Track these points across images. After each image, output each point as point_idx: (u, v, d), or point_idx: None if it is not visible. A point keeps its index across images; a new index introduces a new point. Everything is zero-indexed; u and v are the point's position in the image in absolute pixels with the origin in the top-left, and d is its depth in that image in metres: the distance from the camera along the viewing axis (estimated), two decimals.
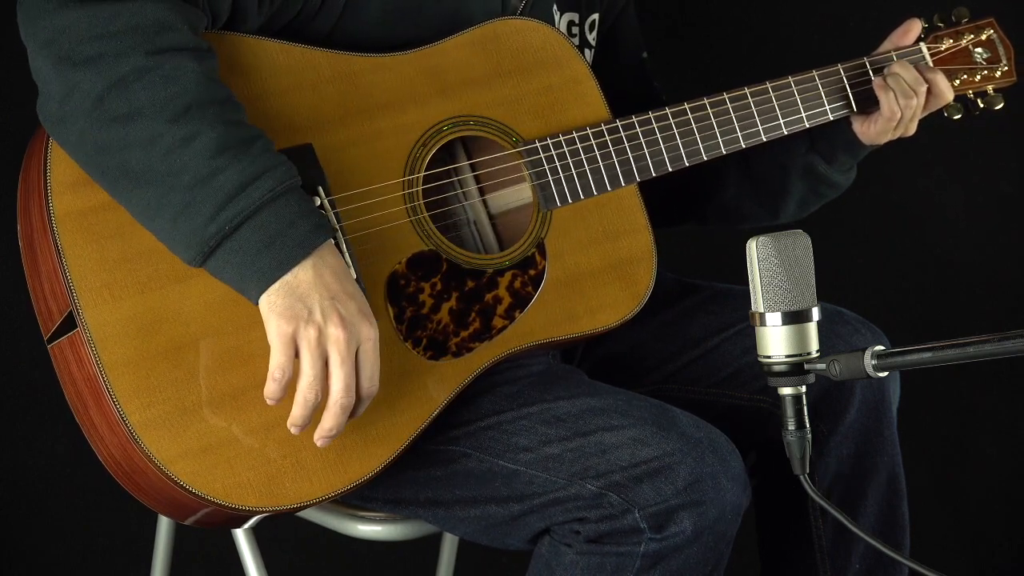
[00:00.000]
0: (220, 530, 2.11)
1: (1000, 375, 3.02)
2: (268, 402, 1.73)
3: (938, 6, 2.23)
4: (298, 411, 1.73)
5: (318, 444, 1.75)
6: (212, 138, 1.68)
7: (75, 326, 1.74)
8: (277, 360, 1.71)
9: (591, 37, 2.18)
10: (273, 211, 1.69)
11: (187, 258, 1.70)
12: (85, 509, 2.75)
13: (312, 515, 2.11)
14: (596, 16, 2.18)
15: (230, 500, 1.76)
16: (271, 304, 1.70)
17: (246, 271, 1.69)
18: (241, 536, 2.09)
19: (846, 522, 1.55)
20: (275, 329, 1.70)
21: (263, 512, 1.79)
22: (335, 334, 1.70)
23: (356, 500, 2.05)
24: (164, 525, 2.26)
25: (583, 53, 2.10)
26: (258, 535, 2.09)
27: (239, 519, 1.84)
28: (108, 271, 1.75)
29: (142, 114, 1.67)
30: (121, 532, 2.75)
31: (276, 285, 1.69)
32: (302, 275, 1.70)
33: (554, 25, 2.10)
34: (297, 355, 1.71)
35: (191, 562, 2.76)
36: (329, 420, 1.73)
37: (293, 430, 1.74)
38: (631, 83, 2.24)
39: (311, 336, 1.70)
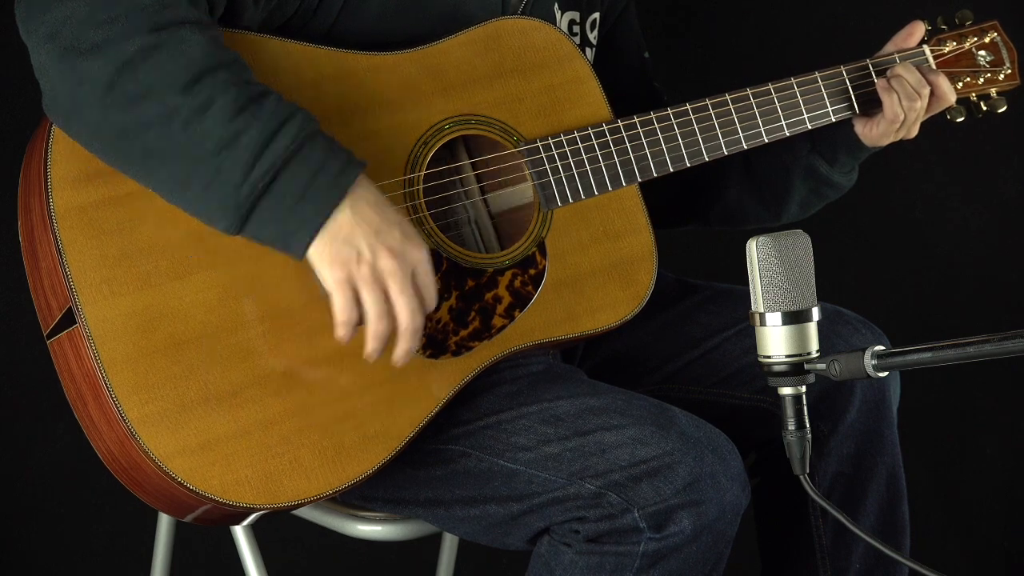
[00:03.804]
0: (220, 529, 2.12)
1: (1000, 375, 3.02)
2: (342, 342, 1.76)
3: (938, 5, 2.23)
4: (372, 345, 1.75)
5: (398, 365, 1.78)
6: (227, 101, 1.68)
7: (74, 322, 1.74)
8: (339, 304, 1.73)
9: (592, 36, 2.18)
10: (300, 160, 1.70)
11: (224, 226, 1.71)
12: (85, 509, 2.75)
13: (312, 515, 2.11)
14: (597, 15, 2.18)
15: (227, 497, 1.76)
16: (319, 254, 1.71)
17: (288, 225, 1.70)
18: (241, 536, 2.09)
19: (846, 522, 1.55)
20: (329, 277, 1.72)
21: (260, 509, 1.79)
22: (388, 266, 1.73)
23: (356, 500, 2.05)
24: (164, 524, 2.26)
25: (584, 52, 2.10)
26: (258, 535, 2.09)
27: (237, 516, 1.84)
28: (108, 267, 1.75)
29: (154, 91, 1.67)
30: (121, 532, 2.76)
31: (319, 235, 1.71)
32: (341, 218, 1.71)
33: (555, 24, 2.10)
34: (358, 297, 1.73)
35: (191, 562, 2.77)
36: (403, 345, 1.77)
37: (370, 360, 1.76)
38: (632, 83, 2.24)
39: (365, 274, 1.72)
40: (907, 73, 2.09)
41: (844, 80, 2.12)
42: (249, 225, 1.70)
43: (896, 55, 2.15)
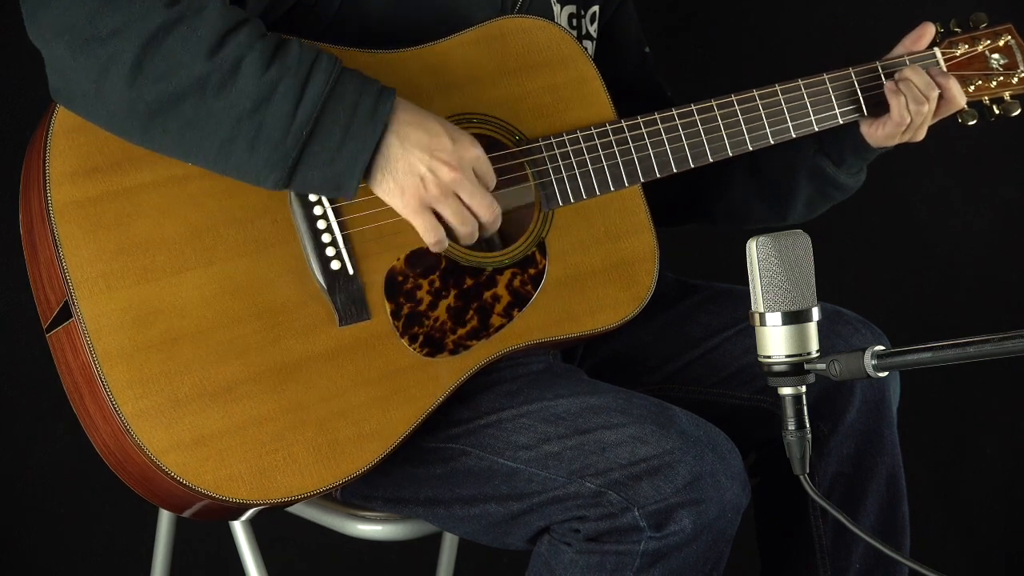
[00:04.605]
0: (220, 529, 2.12)
1: (1000, 375, 3.02)
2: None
3: (938, 5, 2.22)
4: (468, 242, 1.86)
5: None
6: (255, 57, 1.71)
7: (71, 316, 1.75)
8: (422, 226, 1.82)
9: (592, 29, 2.17)
10: (337, 100, 1.74)
11: (274, 181, 1.74)
12: (85, 509, 2.75)
13: (313, 515, 2.11)
14: (596, 8, 2.18)
15: (221, 492, 1.76)
16: (386, 190, 1.79)
17: (336, 167, 1.75)
18: (241, 536, 2.09)
19: (846, 522, 1.55)
20: (404, 208, 1.81)
21: (254, 505, 1.79)
22: (451, 177, 1.80)
23: (356, 499, 2.04)
24: (164, 524, 2.27)
25: (584, 45, 2.10)
26: (258, 534, 2.09)
27: (232, 511, 1.85)
28: (105, 262, 1.76)
29: (182, 64, 1.69)
30: (121, 532, 2.76)
31: (374, 171, 1.77)
32: (391, 149, 1.78)
33: (554, 18, 2.09)
34: (438, 215, 1.81)
35: (191, 562, 2.77)
36: (491, 230, 1.86)
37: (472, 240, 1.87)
38: (632, 77, 2.24)
39: (434, 194, 1.80)
40: (915, 76, 2.07)
41: (853, 82, 2.10)
42: (298, 175, 1.74)
43: (906, 57, 2.14)
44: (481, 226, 1.85)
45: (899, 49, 2.15)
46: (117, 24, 1.68)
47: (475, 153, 1.82)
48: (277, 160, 1.73)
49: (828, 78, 2.10)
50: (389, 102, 1.77)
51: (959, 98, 2.10)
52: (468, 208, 1.83)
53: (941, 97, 2.09)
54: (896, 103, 2.07)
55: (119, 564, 2.78)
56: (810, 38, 2.93)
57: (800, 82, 2.09)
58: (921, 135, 2.12)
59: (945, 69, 2.15)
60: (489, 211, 1.83)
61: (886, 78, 2.11)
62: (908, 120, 2.07)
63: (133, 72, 1.69)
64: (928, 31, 2.15)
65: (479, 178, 1.83)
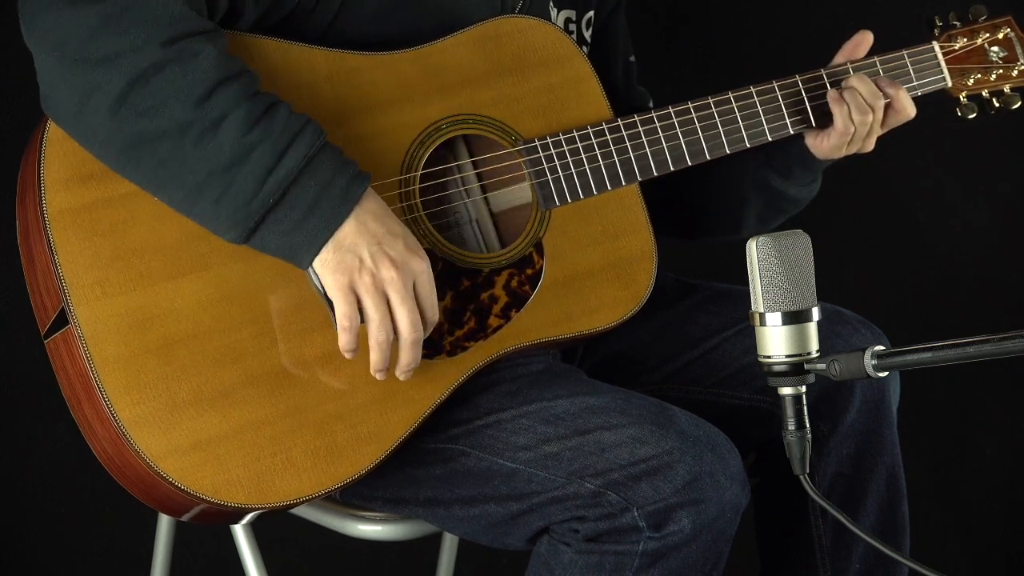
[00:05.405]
0: (220, 530, 2.12)
1: (1000, 375, 3.01)
2: (346, 355, 1.78)
3: (937, 4, 2.21)
4: (375, 356, 1.78)
5: (401, 378, 1.81)
6: (240, 116, 1.70)
7: (68, 322, 1.75)
8: (342, 310, 1.76)
9: (587, 34, 2.17)
10: (310, 174, 1.73)
11: (232, 236, 1.73)
12: (85, 509, 2.75)
13: (312, 515, 2.11)
14: (592, 13, 2.17)
15: (219, 497, 1.76)
16: (323, 261, 1.75)
17: (295, 238, 1.73)
18: (241, 536, 2.09)
19: (846, 522, 1.55)
20: (332, 283, 1.75)
21: (253, 509, 1.79)
22: (389, 275, 1.75)
23: (356, 500, 2.05)
24: (164, 524, 2.27)
25: None
26: (258, 535, 2.09)
27: (231, 516, 1.85)
28: (100, 268, 1.76)
29: (167, 105, 1.69)
30: (121, 532, 2.76)
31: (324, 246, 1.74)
32: (347, 228, 1.74)
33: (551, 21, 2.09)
34: (360, 304, 1.76)
35: (191, 562, 2.77)
36: (405, 356, 1.79)
37: (378, 375, 1.79)
38: (616, 84, 2.22)
39: (367, 282, 1.75)
40: (861, 85, 2.03)
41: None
42: (256, 236, 1.73)
43: (849, 65, 2.09)
44: (398, 342, 1.78)
45: (839, 58, 2.11)
46: (110, 52, 1.68)
47: (423, 267, 1.78)
48: (239, 220, 1.72)
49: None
50: (361, 188, 1.76)
51: (909, 108, 2.06)
52: (391, 314, 1.77)
53: (890, 107, 2.05)
54: (839, 112, 2.03)
55: (119, 565, 2.79)
56: (810, 38, 2.93)
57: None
58: (869, 146, 2.07)
59: (943, 63, 2.14)
60: (411, 328, 1.77)
61: (830, 86, 2.07)
62: (852, 130, 2.03)
63: (118, 103, 1.68)
64: (866, 39, 2.11)
65: (417, 293, 1.78)
